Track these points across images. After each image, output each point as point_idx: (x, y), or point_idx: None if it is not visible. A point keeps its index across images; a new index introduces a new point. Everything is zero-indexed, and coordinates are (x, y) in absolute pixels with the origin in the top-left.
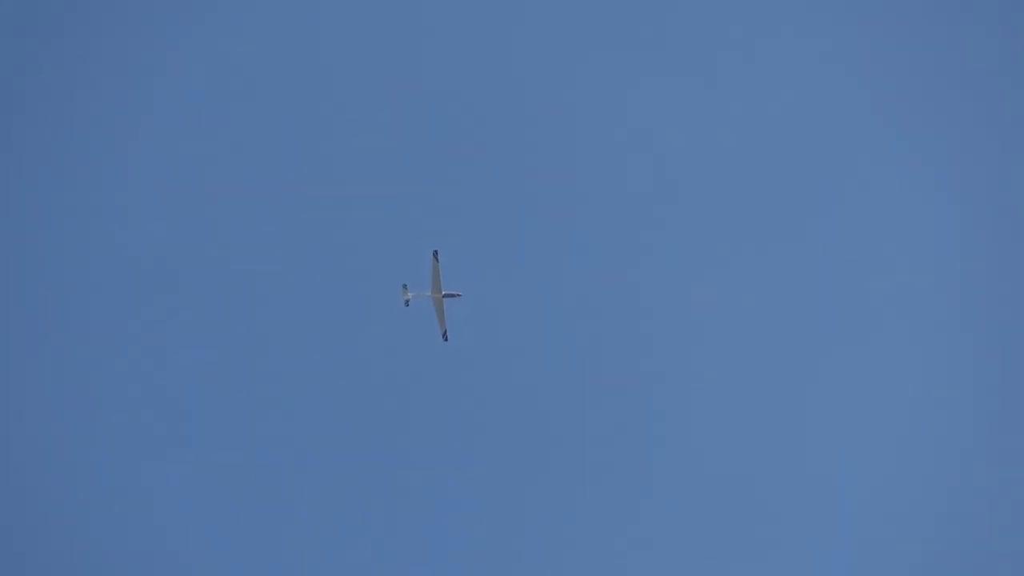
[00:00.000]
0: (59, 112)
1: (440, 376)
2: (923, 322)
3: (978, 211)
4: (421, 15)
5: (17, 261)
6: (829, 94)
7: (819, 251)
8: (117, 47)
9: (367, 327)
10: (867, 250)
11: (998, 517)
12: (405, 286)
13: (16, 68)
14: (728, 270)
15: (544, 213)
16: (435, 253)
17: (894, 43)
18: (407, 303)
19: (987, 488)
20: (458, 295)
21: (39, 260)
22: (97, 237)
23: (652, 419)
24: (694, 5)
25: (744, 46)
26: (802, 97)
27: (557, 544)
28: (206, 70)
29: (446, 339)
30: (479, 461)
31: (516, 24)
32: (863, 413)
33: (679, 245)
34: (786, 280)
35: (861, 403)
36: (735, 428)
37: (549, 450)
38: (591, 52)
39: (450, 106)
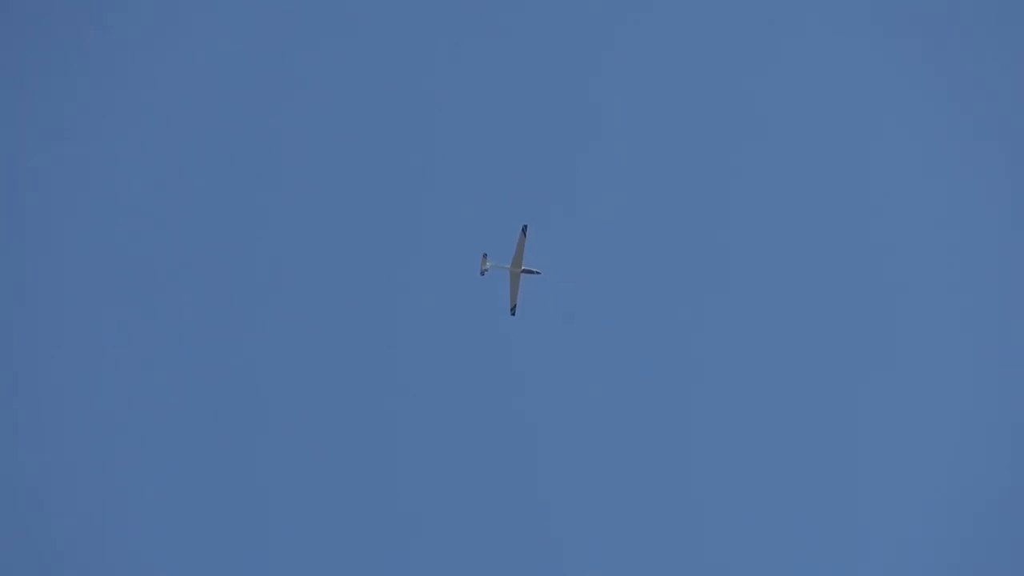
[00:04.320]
0: (56, 111)
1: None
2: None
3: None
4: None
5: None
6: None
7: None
8: (114, 46)
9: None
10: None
11: None
12: (485, 255)
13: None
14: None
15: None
16: (523, 228)
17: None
18: (483, 272)
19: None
20: (537, 272)
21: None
22: (93, 237)
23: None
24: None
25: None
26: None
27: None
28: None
29: (513, 314)
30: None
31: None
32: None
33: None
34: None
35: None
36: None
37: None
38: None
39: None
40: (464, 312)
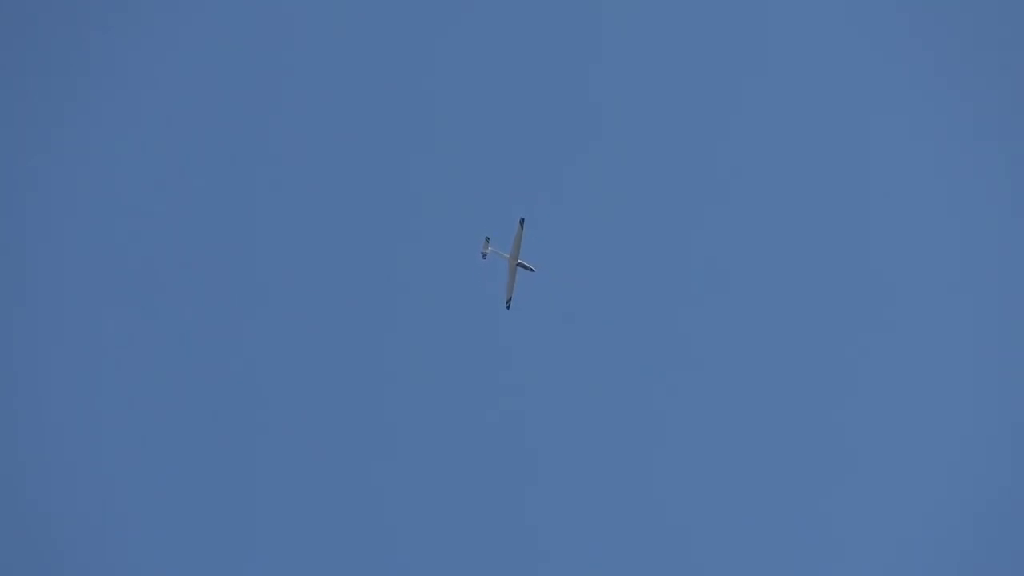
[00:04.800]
0: (56, 111)
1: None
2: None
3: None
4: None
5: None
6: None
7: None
8: (114, 46)
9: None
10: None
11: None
12: (487, 239)
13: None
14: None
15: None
16: (521, 221)
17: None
18: (484, 256)
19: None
20: (532, 269)
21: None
22: (93, 237)
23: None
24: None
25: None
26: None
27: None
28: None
29: (508, 307)
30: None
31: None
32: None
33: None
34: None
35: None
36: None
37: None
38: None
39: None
40: (463, 312)
